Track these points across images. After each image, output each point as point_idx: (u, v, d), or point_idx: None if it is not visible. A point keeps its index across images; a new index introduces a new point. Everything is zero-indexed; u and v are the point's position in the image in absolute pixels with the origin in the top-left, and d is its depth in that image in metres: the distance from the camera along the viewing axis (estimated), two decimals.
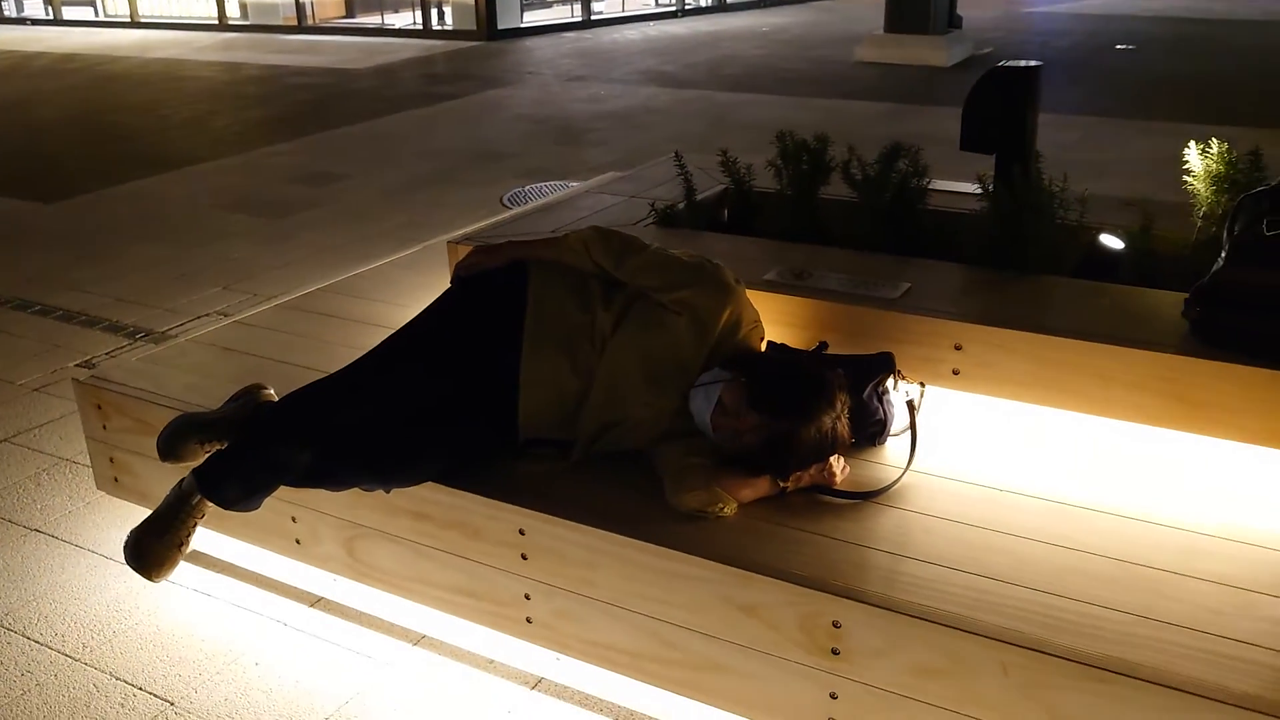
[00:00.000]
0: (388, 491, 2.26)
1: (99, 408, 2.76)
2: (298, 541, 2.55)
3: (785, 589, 1.92)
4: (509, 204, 6.14)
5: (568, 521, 2.12)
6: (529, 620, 2.25)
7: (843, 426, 2.12)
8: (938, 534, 2.06)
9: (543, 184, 6.55)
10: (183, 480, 2.34)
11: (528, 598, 2.24)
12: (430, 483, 2.24)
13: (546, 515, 2.14)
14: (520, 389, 2.26)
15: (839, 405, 2.12)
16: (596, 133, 8.25)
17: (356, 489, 2.27)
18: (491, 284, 2.37)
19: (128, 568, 2.44)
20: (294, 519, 2.52)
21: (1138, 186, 4.17)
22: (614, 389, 2.24)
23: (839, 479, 2.19)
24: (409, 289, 3.42)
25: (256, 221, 6.01)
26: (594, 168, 6.87)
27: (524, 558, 2.20)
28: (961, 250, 2.79)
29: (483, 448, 2.29)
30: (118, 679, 2.38)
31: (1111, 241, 2.75)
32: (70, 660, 2.45)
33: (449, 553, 2.31)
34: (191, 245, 5.57)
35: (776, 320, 2.48)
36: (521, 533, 2.18)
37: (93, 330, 4.47)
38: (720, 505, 2.09)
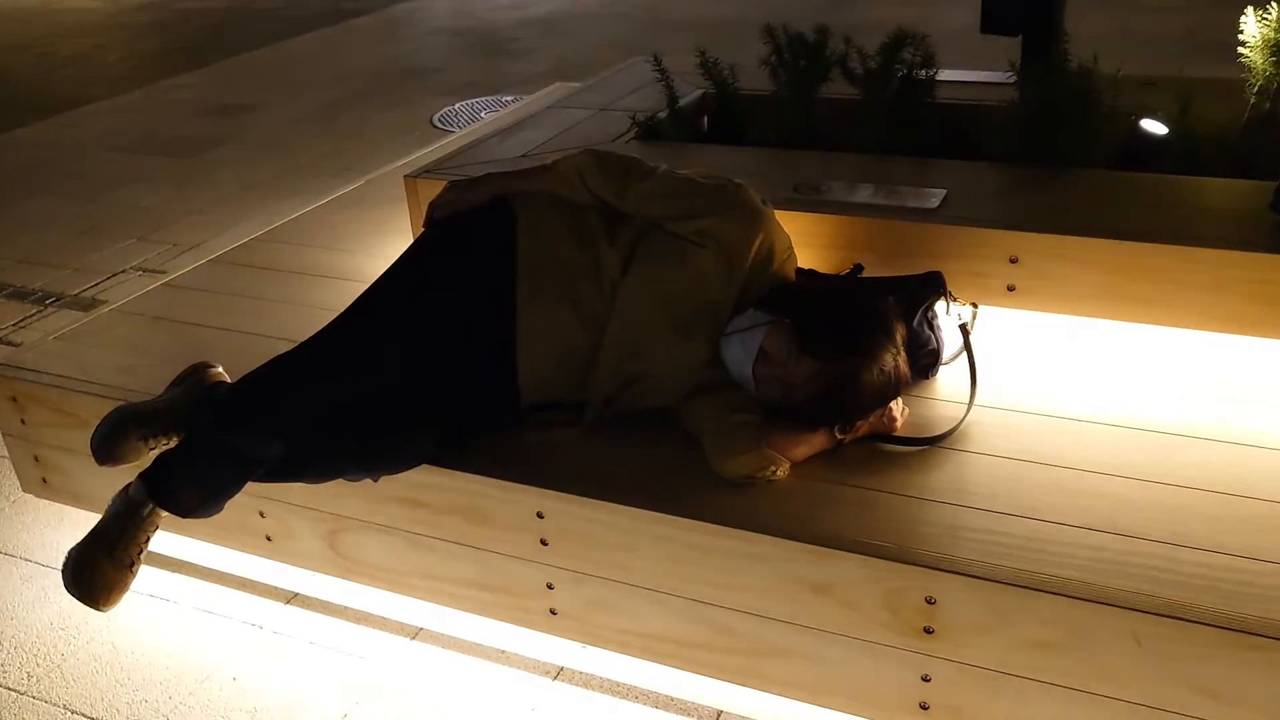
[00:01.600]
0: (375, 480, 1.92)
1: (14, 400, 2.36)
2: (268, 538, 2.21)
3: (865, 564, 1.64)
4: (440, 125, 5.69)
5: (594, 501, 1.81)
6: (553, 612, 1.95)
7: (903, 363, 1.83)
8: (1025, 480, 1.79)
9: (475, 100, 6.10)
10: (129, 486, 1.97)
11: (551, 587, 1.93)
12: (423, 465, 1.91)
13: (568, 495, 1.83)
14: (518, 346, 1.93)
15: (899, 339, 1.83)
16: (522, 41, 7.75)
17: (339, 480, 1.93)
18: (472, 225, 2.02)
19: None
20: (261, 513, 2.17)
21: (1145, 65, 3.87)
22: (631, 340, 1.92)
23: (899, 423, 1.91)
24: (353, 232, 3.03)
25: (164, 163, 5.48)
26: (526, 79, 6.42)
27: (544, 543, 1.90)
28: (984, 147, 2.49)
29: (481, 419, 1.97)
30: (74, 712, 2.04)
31: (1154, 126, 2.47)
32: (14, 695, 2.09)
33: (452, 542, 1.99)
34: (95, 195, 5.05)
35: (799, 243, 2.15)
36: (540, 516, 1.87)
37: None
38: (772, 468, 1.80)
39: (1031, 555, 1.61)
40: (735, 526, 1.71)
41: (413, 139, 5.40)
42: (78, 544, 1.97)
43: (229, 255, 2.92)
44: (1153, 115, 2.48)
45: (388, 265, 2.04)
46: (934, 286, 2.04)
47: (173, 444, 2.03)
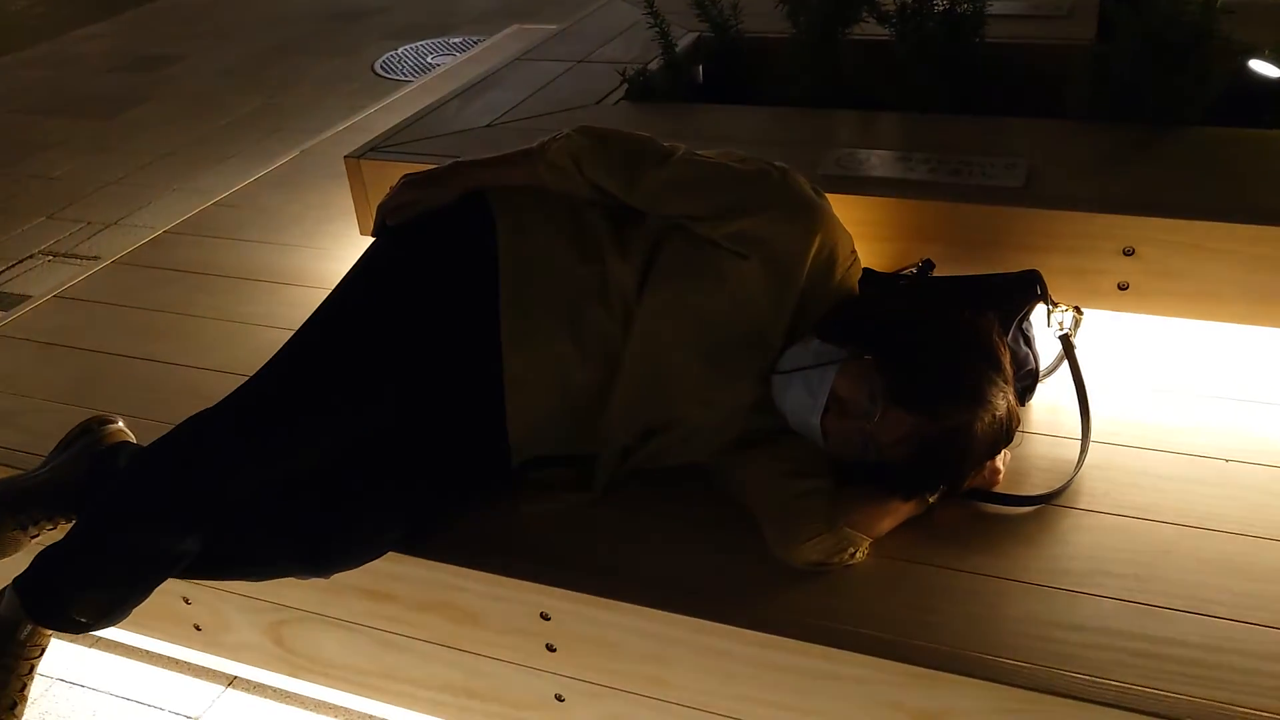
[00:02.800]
0: (326, 579, 1.47)
1: None
2: (197, 628, 1.76)
3: (988, 691, 1.23)
4: (383, 72, 5.13)
5: (613, 602, 1.37)
6: None
7: (1014, 400, 1.40)
8: (1181, 553, 1.37)
9: (421, 43, 5.52)
10: (0, 593, 1.50)
11: (560, 699, 1.51)
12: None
13: (581, 595, 1.39)
14: (505, 393, 1.47)
15: (1009, 369, 1.40)
16: None
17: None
18: (437, 234, 1.55)
19: None
20: (186, 599, 1.72)
21: None
22: (652, 379, 1.48)
23: (1002, 475, 1.49)
24: (292, 219, 2.53)
25: (77, 126, 4.88)
26: (476, 18, 5.85)
27: (551, 649, 1.46)
28: (1050, 99, 2.04)
29: (460, 488, 1.52)
30: None
31: (1266, 68, 2.02)
32: None
33: (431, 643, 1.56)
34: (1, 165, 4.47)
35: None
36: (545, 617, 1.43)
37: None
38: (851, 551, 1.37)
39: (1211, 676, 1.21)
40: (804, 637, 1.29)
41: (354, 89, 4.86)
42: None
43: (136, 254, 2.41)
44: (1259, 54, 2.03)
45: (334, 263, 1.58)
46: (1031, 290, 1.61)
47: (60, 531, 1.55)
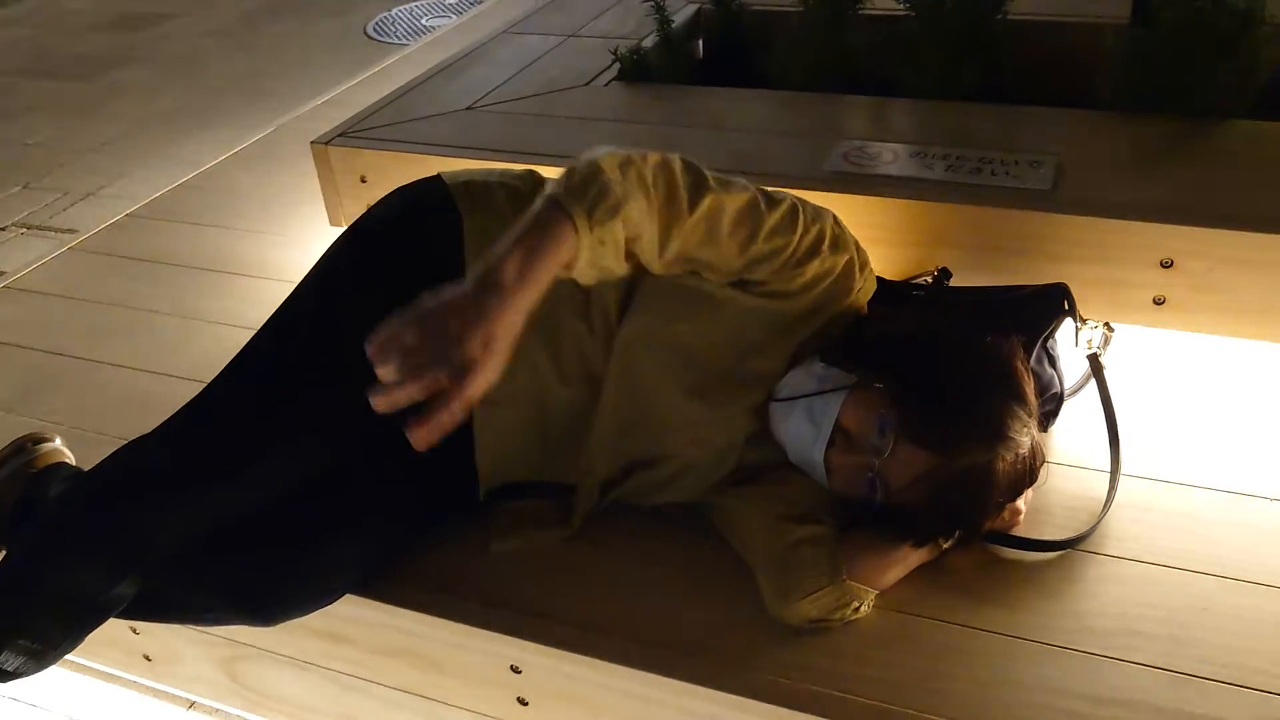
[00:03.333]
0: (270, 627, 1.33)
1: None
2: (147, 658, 1.63)
3: None
4: (375, 35, 4.94)
5: (592, 660, 1.24)
6: None
7: (1038, 434, 1.25)
8: (1224, 611, 1.23)
9: (414, 4, 5.32)
10: None
11: None
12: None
13: (552, 650, 1.25)
14: (472, 417, 1.33)
15: (1033, 399, 1.24)
16: None
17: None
18: (400, 234, 1.39)
19: None
20: (134, 629, 1.59)
21: None
22: (638, 410, 1.33)
23: (1022, 516, 1.34)
24: (261, 204, 2.37)
25: (58, 88, 4.71)
26: None
27: (523, 703, 1.33)
28: (1088, 88, 1.87)
29: (421, 523, 1.38)
30: None
31: None
32: None
33: (393, 688, 1.42)
34: None
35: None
36: (516, 670, 1.30)
37: None
38: (855, 606, 1.23)
39: None
40: (800, 706, 1.15)
41: (344, 54, 4.67)
42: None
43: (93, 241, 2.26)
44: None
45: (301, 253, 1.44)
46: (1057, 305, 1.45)
47: None
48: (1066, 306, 1.45)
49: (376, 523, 1.33)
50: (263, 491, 1.29)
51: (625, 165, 1.07)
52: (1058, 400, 1.48)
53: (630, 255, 1.09)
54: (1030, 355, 1.40)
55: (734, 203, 1.15)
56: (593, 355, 1.33)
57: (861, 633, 1.24)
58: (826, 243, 1.24)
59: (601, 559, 1.35)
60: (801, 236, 1.21)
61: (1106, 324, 1.48)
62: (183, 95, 4.48)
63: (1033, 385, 1.26)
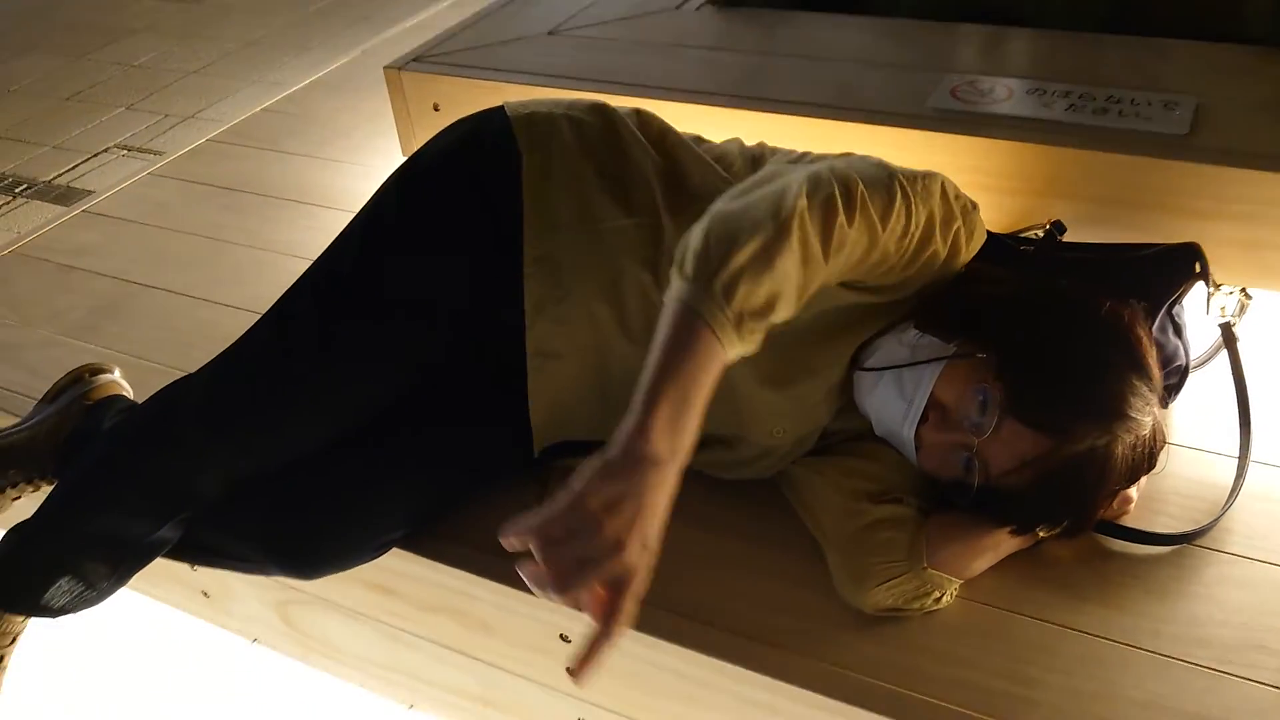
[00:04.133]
0: (309, 580, 1.28)
1: None
2: (205, 594, 1.61)
3: None
4: None
5: (645, 637, 1.15)
6: None
7: (1160, 414, 1.10)
8: None
9: None
10: None
11: None
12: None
13: None
14: (527, 369, 1.24)
15: (1157, 375, 1.10)
16: None
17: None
18: (456, 178, 1.29)
19: None
20: (193, 565, 1.56)
21: None
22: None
23: (1133, 506, 1.20)
24: (340, 132, 2.31)
25: (165, 10, 4.73)
26: None
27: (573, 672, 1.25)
28: (1226, 15, 1.66)
29: (472, 481, 1.30)
30: None
31: None
32: None
33: (442, 646, 1.36)
34: (88, 50, 4.35)
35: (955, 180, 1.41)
36: (565, 639, 1.22)
37: None
38: (936, 595, 1.12)
39: None
40: (868, 705, 1.04)
41: None
42: None
43: (173, 166, 2.22)
44: None
45: (376, 185, 1.34)
46: (1188, 267, 1.28)
47: (42, 494, 1.39)
48: (1198, 269, 1.28)
49: (425, 481, 1.26)
50: (304, 440, 1.23)
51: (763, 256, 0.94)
52: (1182, 373, 1.32)
53: None
54: (1153, 322, 1.24)
55: (857, 245, 1.02)
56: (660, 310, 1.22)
57: (943, 627, 1.12)
58: (937, 230, 1.10)
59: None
60: (908, 239, 1.07)
61: (1244, 290, 1.31)
62: (286, 17, 4.46)
63: (1156, 357, 1.11)
